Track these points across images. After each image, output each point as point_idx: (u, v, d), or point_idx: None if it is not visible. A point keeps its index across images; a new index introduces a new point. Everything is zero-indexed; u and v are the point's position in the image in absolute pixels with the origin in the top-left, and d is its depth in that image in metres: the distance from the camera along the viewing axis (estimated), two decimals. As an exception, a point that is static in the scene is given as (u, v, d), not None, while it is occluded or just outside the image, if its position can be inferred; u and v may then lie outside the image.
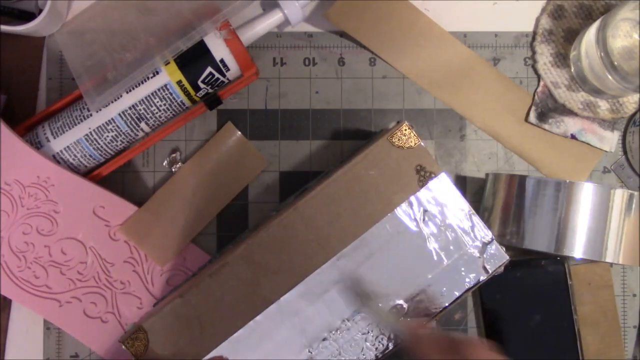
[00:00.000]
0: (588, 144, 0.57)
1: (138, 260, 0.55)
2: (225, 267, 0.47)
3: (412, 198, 0.47)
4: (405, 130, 0.48)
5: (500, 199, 0.52)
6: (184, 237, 0.56)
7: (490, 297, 0.56)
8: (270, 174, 0.57)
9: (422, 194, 0.47)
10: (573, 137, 0.57)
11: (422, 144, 0.48)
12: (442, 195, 0.47)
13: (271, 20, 0.55)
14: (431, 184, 0.47)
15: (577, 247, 0.49)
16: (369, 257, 0.47)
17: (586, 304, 0.56)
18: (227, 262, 0.47)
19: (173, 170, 0.57)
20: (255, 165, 0.57)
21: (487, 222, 0.52)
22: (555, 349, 0.55)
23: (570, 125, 0.57)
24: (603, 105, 0.57)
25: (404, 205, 0.47)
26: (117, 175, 0.57)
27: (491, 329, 0.55)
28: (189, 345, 0.46)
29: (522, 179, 0.50)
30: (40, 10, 0.54)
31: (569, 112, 0.57)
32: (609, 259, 0.48)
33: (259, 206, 0.57)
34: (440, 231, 0.47)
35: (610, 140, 0.57)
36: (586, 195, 0.49)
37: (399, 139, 0.48)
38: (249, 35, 0.54)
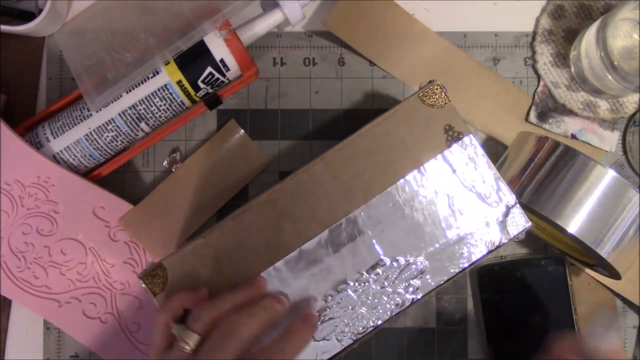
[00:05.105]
0: (588, 143, 0.57)
1: (138, 262, 0.55)
2: (249, 211, 0.46)
3: (439, 157, 0.47)
4: (437, 89, 0.47)
5: (522, 154, 0.51)
6: (183, 233, 0.56)
7: (490, 297, 0.56)
8: (270, 174, 0.57)
9: (449, 153, 0.47)
10: (573, 137, 0.57)
11: (452, 103, 0.48)
12: (468, 157, 0.47)
13: (271, 20, 0.55)
14: (459, 144, 0.47)
15: (574, 223, 0.47)
16: (392, 212, 0.47)
17: (586, 304, 0.56)
18: (252, 206, 0.46)
19: (173, 170, 0.57)
20: (257, 163, 0.57)
21: (500, 168, 0.52)
22: (555, 349, 0.55)
23: (571, 125, 0.57)
24: (603, 105, 0.57)
25: (431, 163, 0.47)
26: (117, 175, 0.57)
27: (491, 329, 0.55)
28: (206, 286, 0.45)
29: (555, 142, 0.50)
30: (40, 10, 0.54)
31: (569, 112, 0.57)
32: (602, 252, 0.47)
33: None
34: (464, 192, 0.47)
35: (610, 140, 0.57)
36: (604, 181, 0.47)
37: (429, 97, 0.47)
38: (249, 35, 0.54)
